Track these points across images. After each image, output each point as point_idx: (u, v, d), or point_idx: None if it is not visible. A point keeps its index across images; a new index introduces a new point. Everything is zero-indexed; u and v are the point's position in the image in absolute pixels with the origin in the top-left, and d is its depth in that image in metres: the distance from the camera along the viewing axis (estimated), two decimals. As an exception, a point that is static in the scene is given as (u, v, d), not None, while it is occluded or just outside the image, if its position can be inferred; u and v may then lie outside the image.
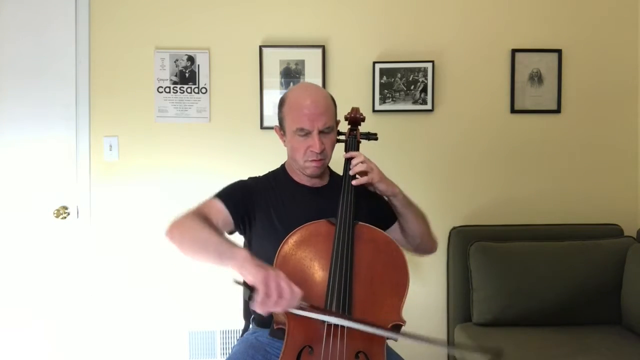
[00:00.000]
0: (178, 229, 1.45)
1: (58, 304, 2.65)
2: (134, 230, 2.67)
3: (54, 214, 2.62)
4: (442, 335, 2.72)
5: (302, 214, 1.51)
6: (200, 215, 1.49)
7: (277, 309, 1.23)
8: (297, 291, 1.24)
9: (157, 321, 2.69)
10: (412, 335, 1.31)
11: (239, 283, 1.25)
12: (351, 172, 1.54)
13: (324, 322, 1.34)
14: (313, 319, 1.31)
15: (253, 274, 1.24)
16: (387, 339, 1.41)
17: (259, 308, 1.22)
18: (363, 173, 1.53)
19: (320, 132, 1.54)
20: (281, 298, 1.21)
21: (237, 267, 1.28)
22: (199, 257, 1.40)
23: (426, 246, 1.71)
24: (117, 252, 2.67)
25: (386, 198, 1.61)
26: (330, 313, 1.32)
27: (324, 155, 1.58)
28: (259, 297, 1.21)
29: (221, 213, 1.56)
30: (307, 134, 1.54)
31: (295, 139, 1.57)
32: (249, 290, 1.23)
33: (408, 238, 1.67)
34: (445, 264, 2.72)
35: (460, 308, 2.59)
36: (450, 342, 2.63)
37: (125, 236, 2.67)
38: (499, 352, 1.32)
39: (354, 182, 1.53)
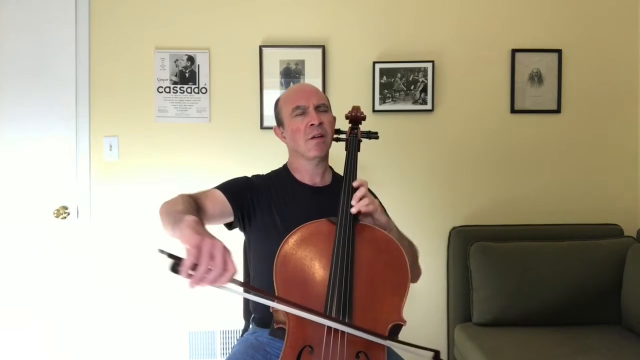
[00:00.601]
0: (163, 206, 1.45)
1: (58, 304, 2.65)
2: (134, 230, 2.67)
3: (54, 214, 2.62)
4: (442, 335, 2.72)
5: (303, 213, 1.51)
6: (191, 197, 1.50)
7: (204, 283, 1.09)
8: (231, 268, 1.11)
9: (157, 321, 2.69)
10: (402, 342, 1.31)
11: (162, 252, 1.07)
12: (353, 210, 1.45)
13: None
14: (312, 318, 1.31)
15: (187, 238, 1.13)
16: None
17: (184, 276, 1.09)
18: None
19: (316, 109, 1.59)
20: (210, 271, 1.09)
21: (179, 235, 1.18)
22: (166, 230, 1.34)
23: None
24: (117, 252, 2.67)
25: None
26: (300, 307, 1.26)
27: (324, 131, 1.59)
28: (185, 262, 1.07)
29: (218, 201, 1.57)
30: (304, 112, 1.59)
31: (294, 121, 1.60)
32: (175, 261, 1.07)
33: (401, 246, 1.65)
34: (445, 264, 2.72)
35: (460, 308, 2.59)
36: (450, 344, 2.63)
37: (125, 236, 2.67)
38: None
39: (352, 210, 1.44)
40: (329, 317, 1.32)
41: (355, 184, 1.50)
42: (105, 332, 2.68)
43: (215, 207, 1.55)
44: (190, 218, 1.24)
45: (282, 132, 1.68)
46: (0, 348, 2.63)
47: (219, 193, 1.59)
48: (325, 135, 1.60)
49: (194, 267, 1.08)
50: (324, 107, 1.62)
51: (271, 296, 1.31)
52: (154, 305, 2.68)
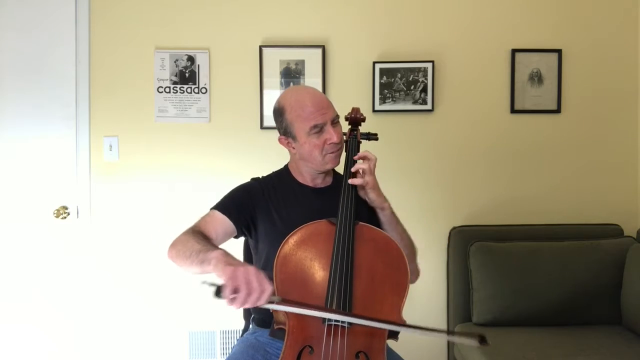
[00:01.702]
0: (173, 248, 1.47)
1: (58, 303, 2.65)
2: (134, 230, 2.67)
3: (54, 214, 2.62)
4: (442, 335, 2.72)
5: (304, 214, 1.52)
6: (195, 230, 1.51)
7: (247, 305, 1.21)
8: (268, 287, 1.22)
9: (157, 321, 2.69)
10: (408, 325, 1.31)
11: (205, 283, 1.23)
12: (353, 169, 1.55)
13: (324, 322, 1.34)
14: (312, 318, 1.32)
15: (222, 271, 1.24)
16: (388, 337, 1.40)
17: (228, 304, 1.21)
18: (360, 174, 1.53)
19: (332, 124, 1.57)
20: (250, 294, 1.19)
21: (213, 269, 1.28)
22: (191, 270, 1.41)
23: None
24: (117, 252, 2.67)
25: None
26: (310, 307, 1.30)
27: (341, 144, 1.60)
28: (226, 292, 1.19)
29: (220, 223, 1.57)
30: (321, 129, 1.55)
31: (311, 139, 1.56)
32: (217, 288, 1.20)
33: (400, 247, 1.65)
34: (445, 264, 2.72)
35: (460, 308, 2.59)
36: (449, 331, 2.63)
37: (125, 236, 2.67)
38: (482, 337, 1.28)
39: (349, 181, 1.54)
40: (332, 310, 1.33)
41: (359, 155, 1.56)
42: (105, 332, 2.68)
43: (218, 230, 1.56)
44: (218, 252, 1.31)
45: (289, 143, 1.63)
46: (1, 348, 2.63)
47: (218, 214, 1.59)
48: (342, 148, 1.62)
49: (235, 292, 1.20)
50: (337, 119, 1.59)
51: (315, 307, 1.32)
52: (154, 305, 2.68)
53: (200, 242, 1.41)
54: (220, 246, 1.44)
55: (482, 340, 1.25)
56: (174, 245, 1.48)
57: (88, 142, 2.64)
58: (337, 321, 1.33)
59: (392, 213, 1.60)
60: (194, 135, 2.68)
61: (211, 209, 1.62)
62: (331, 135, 1.54)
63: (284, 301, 1.27)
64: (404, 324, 1.35)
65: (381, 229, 1.59)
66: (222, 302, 1.21)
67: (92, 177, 2.65)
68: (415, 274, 1.64)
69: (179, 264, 1.44)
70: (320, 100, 1.57)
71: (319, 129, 1.55)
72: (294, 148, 1.62)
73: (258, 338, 1.59)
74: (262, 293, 1.21)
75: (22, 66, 2.61)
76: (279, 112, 1.62)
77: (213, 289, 1.20)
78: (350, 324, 1.33)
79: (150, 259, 2.67)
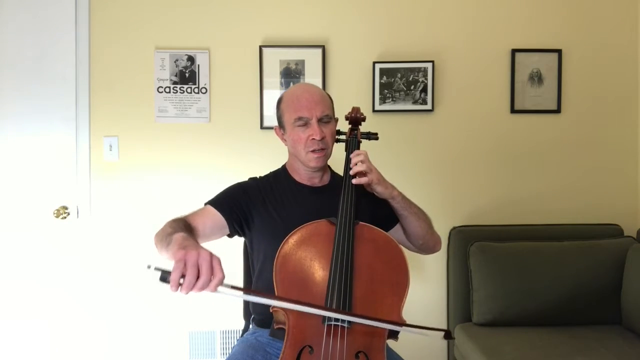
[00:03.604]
0: (156, 236, 1.46)
1: (58, 303, 2.65)
2: (134, 230, 2.67)
3: (54, 213, 2.62)
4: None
5: (303, 214, 1.52)
6: (179, 218, 1.51)
7: (194, 290, 1.14)
8: (218, 273, 1.15)
9: (157, 321, 2.69)
10: (409, 325, 1.32)
11: (150, 267, 1.14)
12: (351, 172, 1.54)
13: (323, 321, 1.34)
14: (312, 317, 1.32)
15: (173, 254, 1.19)
16: (388, 337, 1.40)
17: (172, 289, 1.14)
18: (362, 174, 1.53)
19: (319, 121, 1.56)
20: (197, 279, 1.13)
21: (169, 253, 1.25)
22: (164, 256, 1.36)
23: (428, 245, 1.71)
24: (117, 252, 2.67)
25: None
26: (262, 295, 1.29)
27: (325, 145, 1.59)
28: (172, 276, 1.12)
29: (210, 217, 1.58)
30: (306, 123, 1.56)
31: (295, 131, 1.58)
32: (163, 272, 1.13)
33: (410, 239, 1.68)
34: (445, 264, 2.72)
35: (460, 308, 2.59)
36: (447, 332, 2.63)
37: (125, 236, 2.67)
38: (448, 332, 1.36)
39: (353, 181, 1.53)
40: (327, 309, 1.32)
41: (351, 155, 1.56)
42: (105, 332, 2.68)
43: (206, 223, 1.56)
44: (178, 236, 1.28)
45: (282, 134, 1.66)
46: (1, 348, 2.63)
47: (211, 208, 1.60)
48: (326, 148, 1.60)
49: (183, 277, 1.13)
50: (327, 118, 1.59)
51: (267, 295, 1.32)
52: (154, 306, 2.68)
53: (173, 228, 1.39)
54: (208, 243, 1.43)
55: (447, 335, 1.34)
56: (156, 233, 1.47)
57: (88, 142, 2.64)
58: (337, 321, 1.33)
59: (404, 198, 1.60)
60: (194, 135, 2.68)
61: (205, 203, 1.62)
62: (314, 132, 1.55)
63: (234, 288, 1.19)
64: (402, 323, 1.35)
65: (397, 216, 1.62)
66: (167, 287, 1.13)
67: (92, 177, 2.65)
68: (439, 242, 1.74)
69: (158, 251, 1.41)
70: (312, 95, 1.58)
71: (303, 122, 1.56)
72: (285, 140, 1.66)
73: (258, 338, 1.59)
74: (211, 279, 1.14)
75: (22, 66, 2.61)
76: (278, 103, 1.67)
77: (158, 273, 1.13)
78: (350, 323, 1.33)
79: (150, 259, 2.66)
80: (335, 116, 1.67)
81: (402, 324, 1.36)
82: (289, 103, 1.60)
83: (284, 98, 1.64)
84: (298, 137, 1.58)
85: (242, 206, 1.61)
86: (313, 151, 1.57)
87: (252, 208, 1.61)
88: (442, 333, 1.34)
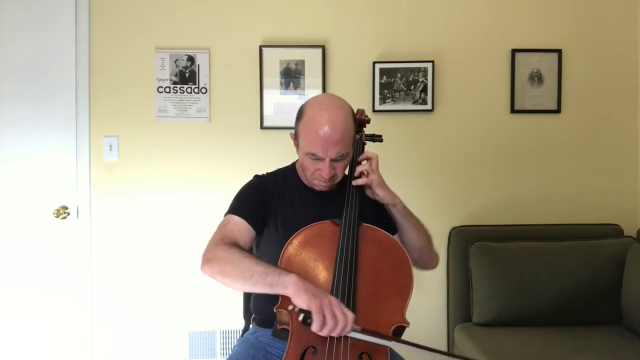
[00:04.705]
0: (217, 264, 1.40)
1: (58, 303, 2.65)
2: (134, 230, 2.67)
3: (54, 214, 2.62)
4: (442, 335, 2.73)
5: (308, 215, 1.51)
6: (229, 241, 1.45)
7: (334, 334, 1.27)
8: (351, 316, 1.27)
9: (157, 321, 2.69)
10: (416, 344, 1.32)
11: (295, 309, 1.30)
12: (355, 173, 1.54)
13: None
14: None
15: (307, 303, 1.27)
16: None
17: (317, 332, 1.27)
18: (365, 174, 1.53)
19: (332, 160, 1.49)
20: (336, 325, 1.25)
21: (291, 295, 1.31)
22: (246, 289, 1.41)
23: (425, 260, 1.65)
24: (117, 252, 2.67)
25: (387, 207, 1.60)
26: (387, 338, 1.33)
27: (333, 179, 1.55)
28: (315, 325, 1.25)
29: (244, 230, 1.52)
30: (319, 158, 1.50)
31: (306, 160, 1.53)
32: (305, 316, 1.27)
33: (407, 250, 1.65)
34: (445, 264, 2.72)
35: (460, 308, 2.59)
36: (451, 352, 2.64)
37: (125, 236, 2.67)
38: None
39: (353, 182, 1.53)
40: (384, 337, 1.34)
41: (361, 157, 1.55)
42: (105, 332, 2.68)
43: (245, 238, 1.51)
44: (294, 279, 1.32)
45: (296, 144, 1.59)
46: (0, 348, 2.63)
47: (239, 220, 1.52)
48: (334, 181, 1.56)
49: (323, 322, 1.26)
50: (341, 157, 1.50)
51: (389, 338, 1.34)
52: (154, 305, 2.68)
53: (259, 263, 1.37)
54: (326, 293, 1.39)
55: None
56: (215, 261, 1.40)
57: (88, 142, 2.64)
58: None
59: (404, 207, 1.59)
60: (194, 135, 2.68)
61: (228, 213, 1.56)
62: (324, 171, 1.49)
63: (364, 331, 1.30)
64: (404, 341, 1.35)
65: (395, 225, 1.60)
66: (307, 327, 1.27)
67: (92, 177, 2.65)
68: (436, 259, 1.70)
69: (228, 283, 1.39)
70: (333, 133, 1.45)
71: (316, 157, 1.50)
72: (297, 149, 1.60)
73: (259, 338, 1.59)
74: (346, 323, 1.26)
75: (23, 67, 2.61)
76: (298, 114, 1.55)
77: (302, 315, 1.27)
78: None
79: (150, 259, 2.67)
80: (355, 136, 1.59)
81: (401, 341, 1.35)
82: (308, 130, 1.48)
83: (305, 118, 1.51)
84: (307, 166, 1.54)
85: (260, 208, 1.57)
86: (319, 181, 1.55)
87: (267, 208, 1.59)
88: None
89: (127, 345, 2.68)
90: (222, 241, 1.44)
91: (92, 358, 2.67)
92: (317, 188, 1.58)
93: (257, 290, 1.36)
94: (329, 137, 1.45)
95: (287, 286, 1.30)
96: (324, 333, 1.25)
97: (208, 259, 1.41)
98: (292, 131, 1.59)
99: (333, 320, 1.25)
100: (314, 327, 1.25)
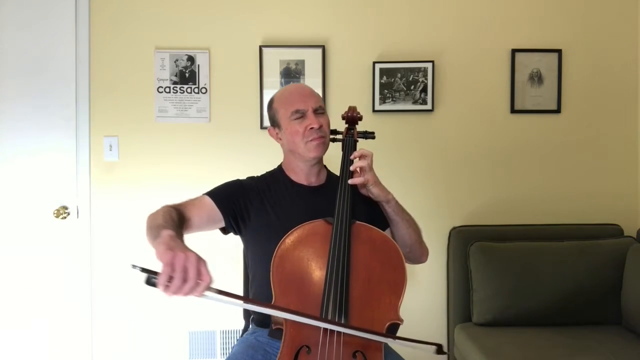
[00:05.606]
0: (147, 219, 1.47)
1: (58, 303, 2.65)
2: (134, 230, 2.67)
3: (54, 214, 2.62)
4: (443, 335, 2.72)
5: (299, 213, 1.52)
6: (173, 207, 1.50)
7: (180, 294, 1.13)
8: (205, 277, 1.14)
9: (157, 321, 2.69)
10: (402, 338, 1.32)
11: (136, 268, 1.14)
12: (352, 168, 1.54)
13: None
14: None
15: (160, 255, 1.16)
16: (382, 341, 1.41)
17: (162, 291, 1.14)
18: (359, 172, 1.53)
19: (314, 112, 1.58)
20: (184, 283, 1.12)
21: (155, 249, 1.22)
22: (149, 242, 1.37)
23: (415, 255, 1.68)
24: (117, 252, 2.67)
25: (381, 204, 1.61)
26: (248, 301, 1.30)
27: (324, 133, 1.60)
28: (160, 279, 1.12)
29: (206, 208, 1.57)
30: (303, 115, 1.58)
31: (292, 125, 1.59)
32: (149, 275, 1.13)
33: (398, 245, 1.67)
34: (445, 264, 2.72)
35: (460, 308, 2.59)
36: (450, 343, 2.64)
37: (125, 236, 2.66)
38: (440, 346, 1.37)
39: (349, 181, 1.53)
40: (323, 320, 1.31)
41: (356, 153, 1.56)
42: (105, 332, 2.68)
43: (201, 214, 1.55)
44: (165, 233, 1.25)
45: (277, 133, 1.67)
46: (0, 348, 2.64)
47: (208, 199, 1.59)
48: (325, 136, 1.61)
49: (170, 279, 1.12)
50: (321, 110, 1.62)
51: (252, 300, 1.32)
52: (154, 305, 2.68)
53: (165, 219, 1.39)
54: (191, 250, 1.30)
55: (439, 350, 1.35)
56: (148, 216, 1.47)
57: (88, 142, 2.64)
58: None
59: (397, 203, 1.61)
60: (194, 135, 2.68)
61: (203, 194, 1.62)
62: (312, 121, 1.56)
63: (221, 292, 1.17)
64: (394, 337, 1.35)
65: (388, 221, 1.61)
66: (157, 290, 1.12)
67: (92, 177, 2.65)
68: (426, 253, 1.72)
69: (146, 234, 1.41)
70: (304, 89, 1.66)
71: (300, 114, 1.58)
72: (280, 139, 1.66)
73: (258, 338, 1.59)
74: (198, 283, 1.13)
75: (22, 66, 2.61)
76: (269, 104, 1.68)
77: (144, 276, 1.12)
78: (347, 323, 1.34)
79: (150, 259, 2.66)
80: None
81: (395, 337, 1.35)
82: (282, 100, 1.63)
83: (276, 98, 1.67)
84: (295, 130, 1.58)
85: (239, 202, 1.61)
86: (312, 140, 1.57)
87: (249, 205, 1.61)
88: (435, 348, 1.35)
89: (127, 345, 2.69)
90: (169, 205, 1.51)
91: (92, 358, 2.67)
92: (312, 154, 1.59)
93: (151, 245, 1.32)
94: (301, 91, 1.65)
95: (159, 236, 1.25)
96: (169, 292, 1.12)
97: (147, 218, 1.48)
98: (269, 127, 1.68)
99: (182, 274, 1.11)
100: (159, 285, 1.12)
